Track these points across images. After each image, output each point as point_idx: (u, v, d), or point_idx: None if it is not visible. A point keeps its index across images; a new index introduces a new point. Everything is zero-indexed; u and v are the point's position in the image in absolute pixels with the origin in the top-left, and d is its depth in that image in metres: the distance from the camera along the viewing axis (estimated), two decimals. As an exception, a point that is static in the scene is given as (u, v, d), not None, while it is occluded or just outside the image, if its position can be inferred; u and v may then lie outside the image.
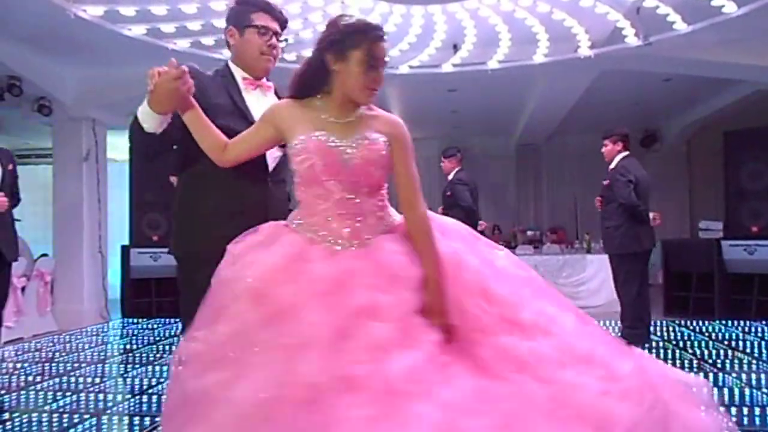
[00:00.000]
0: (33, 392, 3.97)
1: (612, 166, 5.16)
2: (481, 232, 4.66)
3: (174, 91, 1.76)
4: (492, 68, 6.21)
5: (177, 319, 7.05)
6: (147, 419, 3.34)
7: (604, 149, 5.25)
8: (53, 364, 4.82)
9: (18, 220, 4.08)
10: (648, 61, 6.20)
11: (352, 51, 1.71)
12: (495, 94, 7.20)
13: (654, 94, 8.23)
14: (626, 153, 5.17)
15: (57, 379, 4.31)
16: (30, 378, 4.37)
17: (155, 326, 6.69)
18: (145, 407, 3.59)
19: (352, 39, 1.71)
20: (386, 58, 1.75)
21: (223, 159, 1.86)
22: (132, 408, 3.60)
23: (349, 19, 1.75)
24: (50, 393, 3.94)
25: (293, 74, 1.81)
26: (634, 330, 5.07)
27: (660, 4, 5.18)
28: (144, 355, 5.15)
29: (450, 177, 6.20)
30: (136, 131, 1.85)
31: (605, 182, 5.16)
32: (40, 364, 4.83)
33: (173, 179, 2.18)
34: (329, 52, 1.73)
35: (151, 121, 1.82)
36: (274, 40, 2.08)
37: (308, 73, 1.78)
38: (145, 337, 6.00)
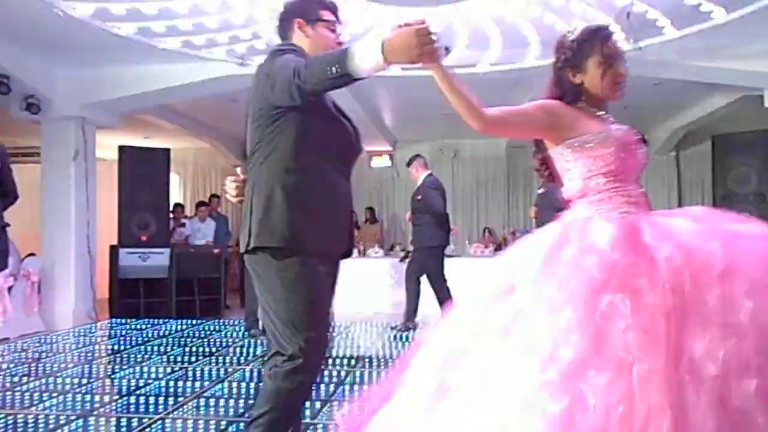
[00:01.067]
0: (19, 393, 3.93)
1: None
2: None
3: (409, 47, 1.64)
4: (483, 71, 6.22)
5: (166, 320, 7.02)
6: (134, 420, 3.31)
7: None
8: (40, 365, 4.78)
9: (7, 224, 3.95)
10: (637, 66, 6.22)
11: (587, 60, 1.82)
12: (487, 96, 7.17)
13: (643, 99, 8.25)
14: None
15: (44, 380, 4.27)
16: (16, 378, 4.33)
17: (143, 327, 6.64)
18: (132, 408, 3.56)
19: (582, 50, 1.82)
20: (620, 49, 1.83)
21: (484, 126, 1.76)
22: (119, 409, 3.57)
23: (572, 33, 1.86)
24: (37, 393, 3.90)
25: (546, 95, 1.90)
26: None
27: (649, 9, 5.21)
28: (132, 355, 5.11)
29: (419, 182, 6.20)
30: (339, 61, 1.66)
31: (540, 191, 5.23)
32: (26, 365, 4.78)
33: (239, 169, 2.00)
34: (567, 70, 1.84)
35: (368, 64, 1.66)
36: (340, 37, 2.15)
37: (561, 93, 1.87)
38: (133, 338, 5.96)
